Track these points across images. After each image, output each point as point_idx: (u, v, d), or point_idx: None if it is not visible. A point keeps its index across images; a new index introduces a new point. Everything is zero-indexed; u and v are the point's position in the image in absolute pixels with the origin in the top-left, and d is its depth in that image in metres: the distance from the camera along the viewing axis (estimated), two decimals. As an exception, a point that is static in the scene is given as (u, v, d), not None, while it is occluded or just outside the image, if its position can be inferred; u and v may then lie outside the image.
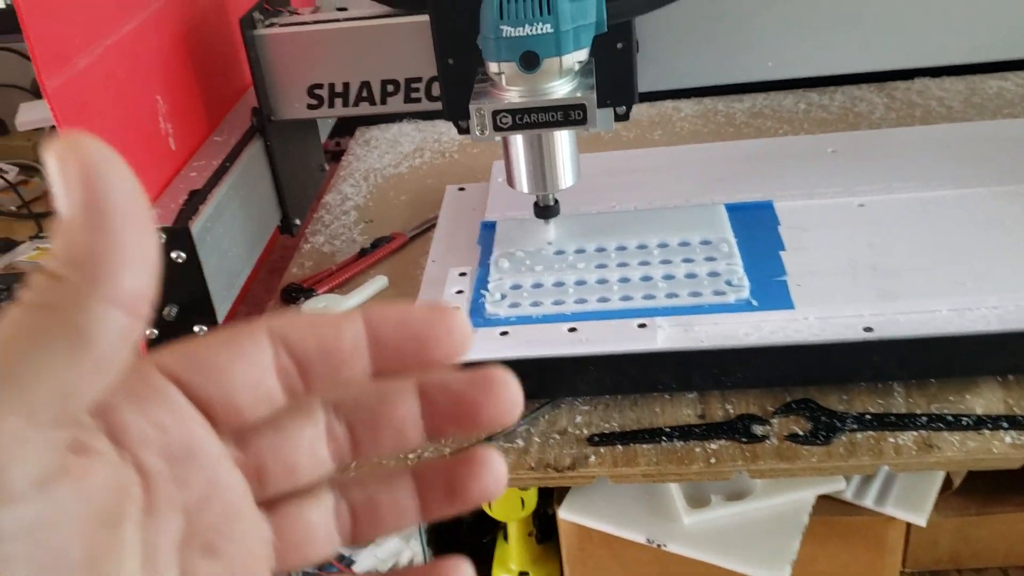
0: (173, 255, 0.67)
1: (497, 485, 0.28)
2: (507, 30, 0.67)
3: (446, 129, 1.18)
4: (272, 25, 0.84)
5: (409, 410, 0.27)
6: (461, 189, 0.99)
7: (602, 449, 0.69)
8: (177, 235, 0.67)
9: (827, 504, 0.84)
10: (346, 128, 1.21)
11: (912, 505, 0.82)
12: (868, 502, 0.83)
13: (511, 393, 0.27)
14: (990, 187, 0.84)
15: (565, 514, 0.85)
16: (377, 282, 0.85)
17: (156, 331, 0.70)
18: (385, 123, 1.22)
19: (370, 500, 0.28)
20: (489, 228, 0.88)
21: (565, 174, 0.77)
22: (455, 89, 0.77)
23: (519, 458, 0.69)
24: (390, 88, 0.84)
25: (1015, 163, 0.88)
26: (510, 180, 0.78)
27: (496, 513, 0.90)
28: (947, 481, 0.85)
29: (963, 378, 0.70)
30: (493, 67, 0.69)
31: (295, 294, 0.85)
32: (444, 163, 1.11)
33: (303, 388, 0.25)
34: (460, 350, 0.26)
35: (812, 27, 1.06)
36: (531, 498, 0.90)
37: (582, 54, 0.69)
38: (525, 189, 0.78)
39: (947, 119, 1.05)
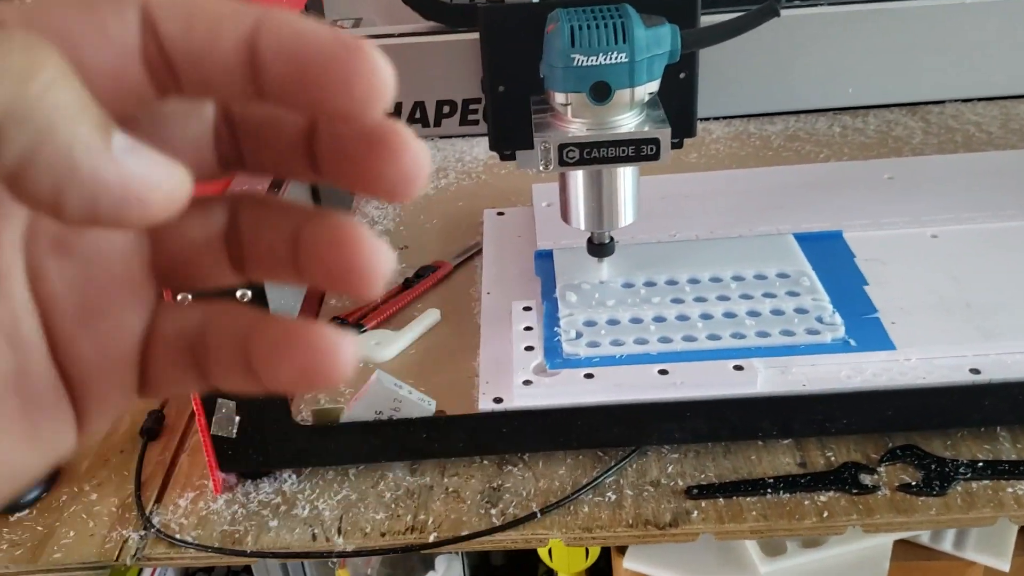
0: (238, 293, 0.60)
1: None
2: (579, 58, 0.62)
3: (467, 148, 1.13)
4: (318, 39, 0.78)
5: (293, 140, 0.22)
6: (500, 214, 0.94)
7: (703, 503, 0.64)
8: (243, 272, 0.60)
9: (905, 549, 0.80)
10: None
11: (992, 548, 0.79)
12: (947, 546, 0.80)
13: (415, 156, 0.21)
14: (1063, 218, 0.82)
15: (630, 563, 0.80)
16: (430, 316, 0.79)
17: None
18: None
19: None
20: (545, 257, 0.82)
21: (626, 212, 0.72)
22: (505, 118, 0.72)
23: (614, 514, 0.64)
24: (446, 109, 0.78)
25: (1083, 193, 0.86)
26: (565, 215, 0.73)
27: (557, 564, 0.85)
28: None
29: (1069, 422, 0.67)
30: (560, 97, 0.64)
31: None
32: (472, 184, 1.05)
33: (173, 88, 0.20)
34: (369, 105, 0.20)
35: (850, 58, 1.04)
36: (595, 547, 0.84)
37: (654, 85, 0.65)
38: (582, 226, 0.73)
39: (989, 144, 1.03)
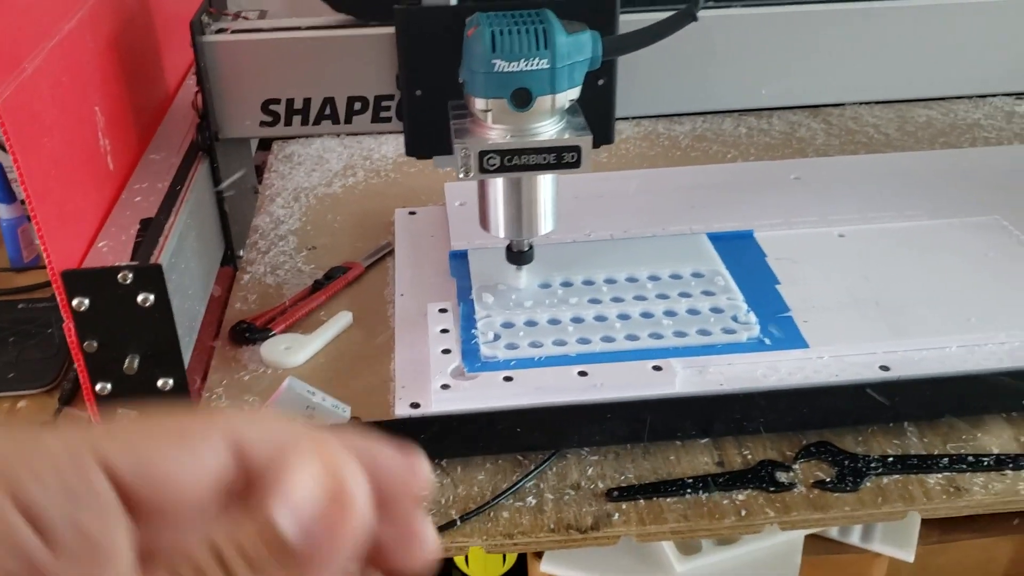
0: (140, 298, 0.57)
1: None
2: (499, 64, 0.61)
3: (375, 146, 1.10)
4: (222, 31, 0.74)
5: None
6: (412, 213, 0.92)
7: (624, 505, 0.64)
8: (146, 274, 0.56)
9: (815, 543, 0.81)
10: (261, 142, 1.11)
11: (898, 541, 0.81)
12: (855, 539, 0.81)
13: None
14: (961, 217, 0.85)
15: (547, 567, 0.79)
16: (341, 319, 0.77)
17: (110, 385, 0.60)
18: (304, 137, 1.13)
19: None
20: (460, 258, 0.81)
21: (546, 220, 0.71)
22: (421, 122, 0.70)
23: (535, 519, 0.63)
24: (357, 106, 0.76)
25: (978, 193, 0.89)
26: (483, 222, 0.72)
27: (473, 570, 0.83)
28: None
29: (972, 416, 0.69)
30: (480, 103, 0.63)
31: (248, 334, 0.75)
32: (381, 183, 1.03)
33: (238, 496, 0.23)
34: (419, 490, 0.27)
35: (756, 62, 1.06)
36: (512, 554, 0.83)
37: (575, 92, 0.64)
38: (502, 234, 0.72)
39: (888, 146, 1.06)
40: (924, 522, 0.88)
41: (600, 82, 0.71)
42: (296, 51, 0.74)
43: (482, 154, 0.64)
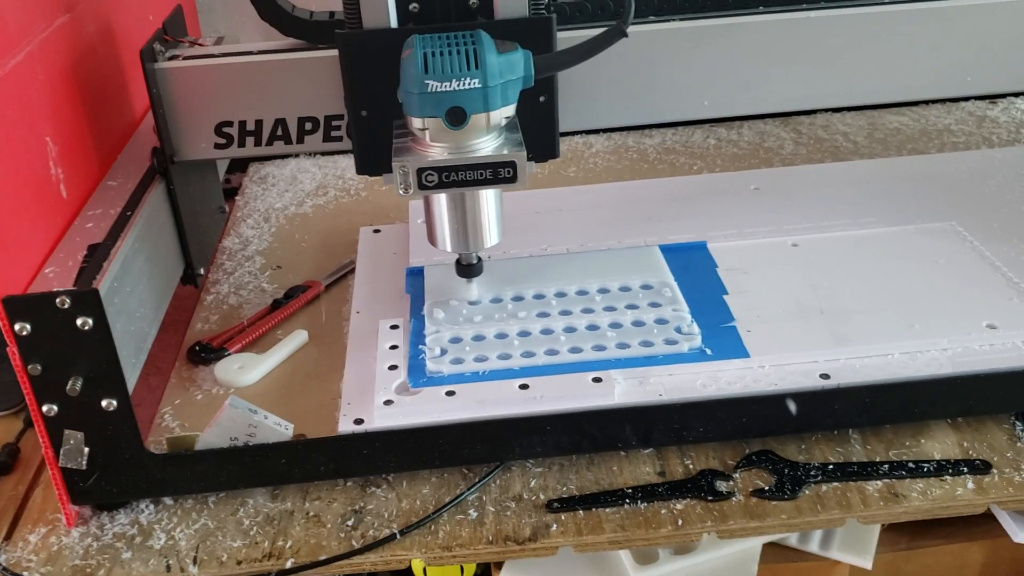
0: (79, 322, 0.59)
1: None
2: (432, 84, 0.62)
3: (348, 165, 1.12)
4: (175, 58, 0.76)
5: None
6: (376, 231, 0.93)
7: (563, 516, 0.64)
8: (83, 299, 0.58)
9: (773, 551, 0.82)
10: (237, 164, 1.13)
11: (856, 548, 0.81)
12: (814, 547, 0.81)
13: None
14: (917, 224, 0.85)
15: (508, 575, 0.80)
16: (297, 337, 0.78)
17: (56, 407, 0.61)
18: (280, 158, 1.15)
19: None
20: (416, 275, 0.82)
21: (491, 232, 0.72)
22: (369, 142, 0.72)
23: (474, 531, 0.64)
24: (308, 126, 0.77)
25: (937, 199, 0.89)
26: (431, 237, 0.73)
27: (433, 580, 0.84)
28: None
29: (916, 422, 0.70)
30: (417, 122, 0.64)
31: (204, 354, 0.77)
32: (351, 202, 1.04)
33: None
34: None
35: (723, 71, 1.06)
36: (470, 564, 0.84)
37: (509, 110, 0.66)
38: (448, 248, 0.73)
39: (855, 154, 1.06)
40: (893, 527, 0.88)
41: (542, 99, 0.73)
42: (246, 75, 0.76)
43: (420, 171, 0.65)
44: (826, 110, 1.15)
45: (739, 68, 1.07)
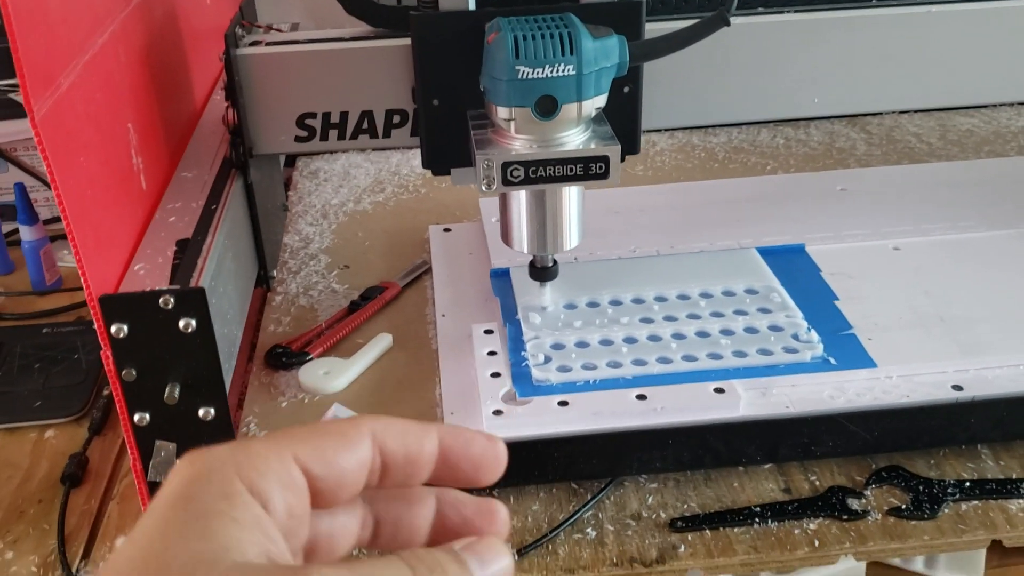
0: (181, 324, 0.54)
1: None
2: (524, 71, 0.58)
3: (403, 160, 1.08)
4: (256, 43, 0.72)
5: (426, 519, 0.32)
6: (447, 230, 0.89)
7: (689, 536, 0.60)
8: (188, 299, 0.53)
9: (877, 570, 0.78)
10: (285, 158, 1.08)
11: (964, 568, 0.78)
12: (918, 566, 0.78)
13: (505, 526, 0.32)
14: (1019, 228, 0.82)
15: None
16: (381, 341, 0.74)
17: (148, 416, 0.56)
18: (328, 153, 1.10)
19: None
20: (501, 276, 0.78)
21: (571, 234, 0.68)
22: (439, 134, 0.67)
23: (596, 552, 0.59)
24: (396, 119, 0.73)
25: (1034, 203, 0.86)
26: (505, 236, 0.69)
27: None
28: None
29: (1050, 437, 0.66)
30: (503, 112, 0.60)
31: (284, 358, 0.72)
32: (411, 199, 1.00)
33: (376, 483, 0.30)
34: (497, 477, 0.32)
35: (792, 71, 1.03)
36: None
37: (601, 100, 0.61)
38: (524, 249, 0.68)
39: (931, 156, 1.03)
40: (998, 545, 0.85)
41: (626, 89, 0.68)
42: (332, 64, 0.71)
43: (505, 165, 0.60)
44: (892, 112, 1.12)
45: (817, 66, 1.04)
